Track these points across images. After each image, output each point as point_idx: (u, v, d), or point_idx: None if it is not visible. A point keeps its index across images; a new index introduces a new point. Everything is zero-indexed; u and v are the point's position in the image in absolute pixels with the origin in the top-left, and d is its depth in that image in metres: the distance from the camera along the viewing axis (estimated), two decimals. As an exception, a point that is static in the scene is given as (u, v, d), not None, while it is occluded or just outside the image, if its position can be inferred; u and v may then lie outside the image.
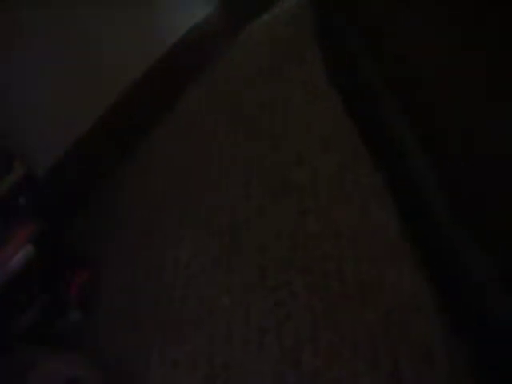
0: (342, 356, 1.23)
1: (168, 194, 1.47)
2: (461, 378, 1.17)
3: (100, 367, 1.15)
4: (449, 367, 1.18)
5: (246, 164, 1.46)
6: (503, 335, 1.18)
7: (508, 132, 1.16)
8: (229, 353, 1.26)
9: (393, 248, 1.31)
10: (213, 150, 1.51)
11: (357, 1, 1.45)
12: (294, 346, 1.25)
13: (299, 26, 1.60)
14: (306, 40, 1.62)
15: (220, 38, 1.65)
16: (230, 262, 1.35)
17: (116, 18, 1.44)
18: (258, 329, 1.28)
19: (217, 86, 1.61)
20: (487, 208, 1.22)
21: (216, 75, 1.63)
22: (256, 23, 1.63)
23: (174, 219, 1.43)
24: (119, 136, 1.51)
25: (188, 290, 1.32)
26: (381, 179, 1.40)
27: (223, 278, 1.33)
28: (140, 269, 1.38)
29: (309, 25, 1.55)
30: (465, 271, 1.24)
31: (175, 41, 1.59)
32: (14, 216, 1.30)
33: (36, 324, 1.34)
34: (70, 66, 1.39)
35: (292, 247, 1.35)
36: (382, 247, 1.32)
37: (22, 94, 1.36)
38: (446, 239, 1.27)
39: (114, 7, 1.42)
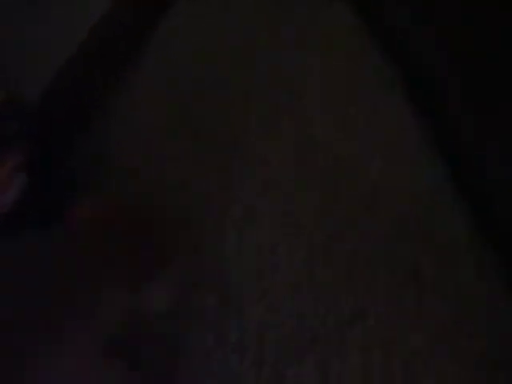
0: (358, 265, 1.18)
1: (168, 107, 1.38)
2: (487, 278, 1.13)
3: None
4: (474, 268, 1.14)
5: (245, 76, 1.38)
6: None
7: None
8: (240, 266, 1.21)
9: (409, 145, 1.24)
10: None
11: None
12: (306, 258, 1.20)
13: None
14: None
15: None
16: (232, 176, 1.28)
17: None
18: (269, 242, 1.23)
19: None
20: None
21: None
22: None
23: (171, 133, 1.35)
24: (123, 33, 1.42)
25: (194, 199, 1.26)
26: (392, 72, 1.31)
27: (227, 190, 1.27)
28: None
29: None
30: (482, 166, 1.18)
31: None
32: (2, 145, 1.24)
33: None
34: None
35: (300, 155, 1.28)
36: (396, 145, 1.25)
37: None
38: (461, 130, 1.20)
39: None
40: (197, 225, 1.24)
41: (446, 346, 1.09)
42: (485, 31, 1.21)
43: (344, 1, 1.41)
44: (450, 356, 1.08)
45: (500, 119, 1.14)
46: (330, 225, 1.22)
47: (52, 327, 0.98)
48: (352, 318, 1.14)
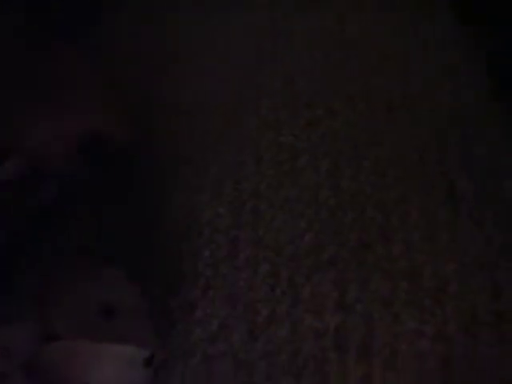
0: (388, 178, 1.08)
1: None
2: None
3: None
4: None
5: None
6: None
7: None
8: (257, 177, 1.10)
9: (449, 57, 1.14)
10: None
11: None
12: (331, 170, 1.10)
13: None
14: None
15: None
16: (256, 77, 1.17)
17: None
18: (290, 150, 1.12)
19: None
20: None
21: None
22: None
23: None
24: None
25: (208, 105, 1.15)
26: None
27: (250, 95, 1.15)
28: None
29: None
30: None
31: None
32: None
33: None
34: None
35: (328, 61, 1.18)
36: (433, 58, 1.15)
37: None
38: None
39: None
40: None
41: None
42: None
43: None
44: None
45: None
46: (359, 133, 1.12)
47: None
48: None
